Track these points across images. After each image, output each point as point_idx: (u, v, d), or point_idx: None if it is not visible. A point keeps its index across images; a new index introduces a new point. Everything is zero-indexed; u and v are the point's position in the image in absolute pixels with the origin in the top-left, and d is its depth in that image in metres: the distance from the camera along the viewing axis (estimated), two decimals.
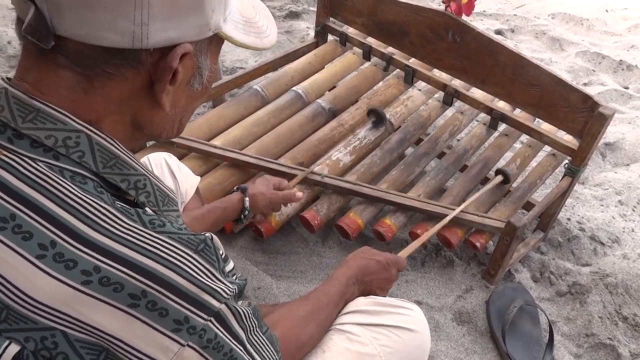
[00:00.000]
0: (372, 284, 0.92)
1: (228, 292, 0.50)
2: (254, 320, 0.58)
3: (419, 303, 1.31)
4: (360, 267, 0.91)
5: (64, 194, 0.46)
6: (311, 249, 1.43)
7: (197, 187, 1.14)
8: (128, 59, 0.49)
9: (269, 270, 1.36)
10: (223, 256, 0.55)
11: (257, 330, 0.59)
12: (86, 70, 0.48)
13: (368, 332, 0.81)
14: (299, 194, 1.21)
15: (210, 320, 0.49)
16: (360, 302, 0.86)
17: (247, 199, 1.11)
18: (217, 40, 0.56)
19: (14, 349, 0.45)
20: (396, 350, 0.81)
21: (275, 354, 0.61)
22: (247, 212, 1.12)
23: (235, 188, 1.15)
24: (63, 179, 0.47)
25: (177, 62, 0.50)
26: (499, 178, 1.42)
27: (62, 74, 0.48)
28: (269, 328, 0.64)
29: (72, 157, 0.48)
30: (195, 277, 0.48)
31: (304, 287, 1.31)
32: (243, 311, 0.54)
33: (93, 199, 0.47)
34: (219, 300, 0.49)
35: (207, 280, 0.48)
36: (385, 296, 0.95)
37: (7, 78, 0.50)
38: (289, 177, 1.34)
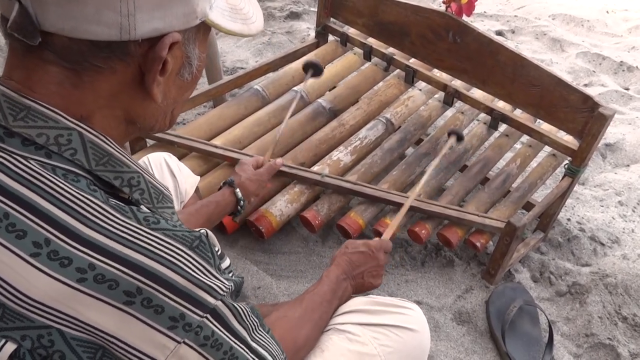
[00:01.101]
0: (363, 275, 0.92)
1: (224, 288, 0.50)
2: (255, 319, 0.58)
3: (418, 303, 1.31)
4: (347, 262, 0.91)
5: (57, 191, 0.46)
6: (311, 248, 1.43)
7: (197, 187, 1.14)
8: (116, 52, 0.48)
9: (269, 269, 1.36)
10: (219, 253, 0.55)
11: (260, 329, 0.58)
12: (74, 65, 0.48)
13: (368, 331, 0.81)
14: (279, 160, 1.24)
15: (207, 317, 0.49)
16: (360, 302, 0.86)
17: (237, 190, 1.12)
18: (204, 28, 0.56)
19: (10, 347, 0.45)
20: (396, 350, 0.81)
21: (281, 353, 0.61)
22: (242, 202, 1.12)
23: (222, 184, 1.15)
24: (56, 177, 0.46)
25: (166, 51, 0.50)
26: (453, 139, 1.33)
27: (50, 70, 0.48)
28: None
29: (64, 155, 0.48)
30: (190, 274, 0.48)
31: (303, 286, 1.31)
32: (241, 309, 0.54)
33: (87, 196, 0.46)
34: (214, 297, 0.49)
35: (202, 277, 0.48)
36: (380, 283, 0.95)
37: None
38: (290, 177, 1.35)
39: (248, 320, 0.55)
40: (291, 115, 1.33)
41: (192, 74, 0.57)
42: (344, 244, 0.96)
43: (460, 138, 1.36)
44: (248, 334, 0.55)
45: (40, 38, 0.46)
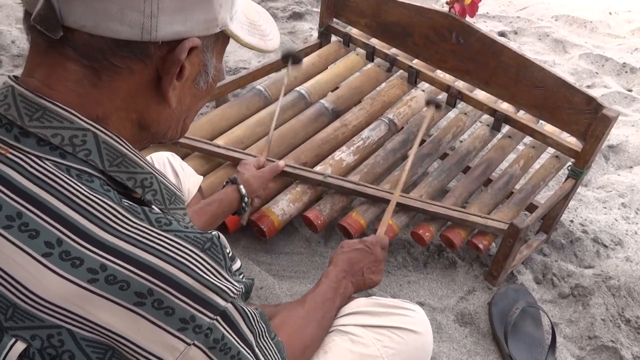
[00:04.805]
0: (363, 272, 0.93)
1: (235, 290, 0.50)
2: (263, 324, 0.58)
3: (421, 304, 1.31)
4: (345, 261, 0.92)
5: (70, 192, 0.46)
6: (313, 249, 1.43)
7: (200, 186, 1.14)
8: (136, 52, 0.48)
9: (272, 270, 1.36)
10: (230, 255, 0.54)
11: (266, 336, 0.58)
12: (93, 63, 0.48)
13: (370, 333, 0.81)
14: (282, 162, 1.28)
15: (217, 319, 0.49)
16: (363, 303, 0.87)
17: (241, 186, 1.13)
18: (223, 38, 0.56)
19: (20, 346, 0.45)
20: (398, 352, 0.81)
21: None
22: (246, 198, 1.13)
23: (225, 182, 1.16)
24: (69, 177, 0.47)
25: (185, 55, 0.50)
26: (432, 109, 1.37)
27: (69, 67, 0.48)
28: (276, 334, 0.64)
29: (78, 156, 0.48)
30: (202, 276, 0.47)
31: (306, 287, 1.31)
32: (251, 313, 0.54)
33: (99, 197, 0.47)
34: (225, 299, 0.49)
35: (213, 279, 0.48)
36: (381, 279, 0.96)
37: (14, 76, 0.50)
38: (292, 177, 1.35)
39: (256, 326, 0.55)
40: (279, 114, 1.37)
41: (208, 84, 0.57)
42: (340, 244, 0.97)
43: (438, 106, 1.37)
44: (254, 339, 0.55)
45: (62, 33, 0.46)
